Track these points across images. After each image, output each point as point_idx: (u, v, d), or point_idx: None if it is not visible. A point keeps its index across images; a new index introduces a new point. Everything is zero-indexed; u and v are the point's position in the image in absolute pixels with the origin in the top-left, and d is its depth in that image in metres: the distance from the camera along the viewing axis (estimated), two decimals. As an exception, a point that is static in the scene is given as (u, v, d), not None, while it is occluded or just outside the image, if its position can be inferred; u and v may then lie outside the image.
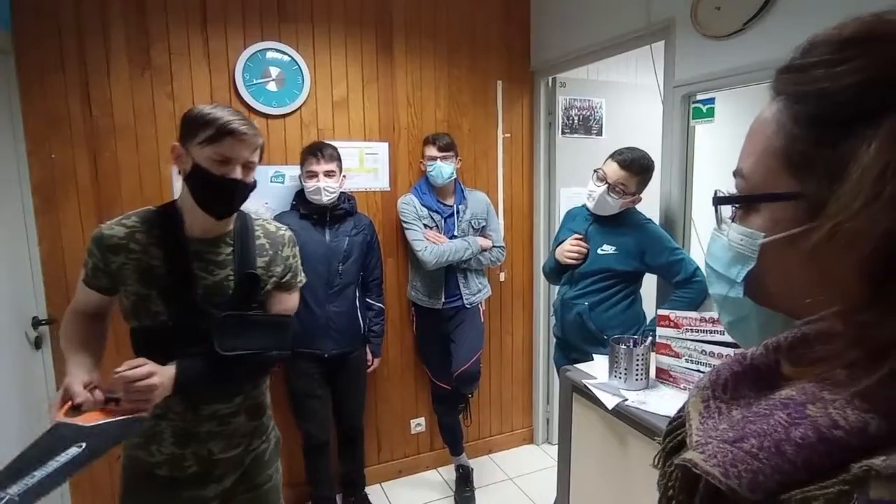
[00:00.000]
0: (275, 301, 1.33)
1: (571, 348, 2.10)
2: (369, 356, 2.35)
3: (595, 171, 1.99)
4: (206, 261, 1.21)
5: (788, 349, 0.41)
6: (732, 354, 0.46)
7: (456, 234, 2.40)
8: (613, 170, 1.93)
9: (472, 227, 2.45)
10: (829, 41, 0.39)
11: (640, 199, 2.00)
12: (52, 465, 0.90)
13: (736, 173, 0.46)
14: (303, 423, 2.26)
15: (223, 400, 1.26)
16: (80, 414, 1.04)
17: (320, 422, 2.24)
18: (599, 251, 2.00)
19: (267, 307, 1.32)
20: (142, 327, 1.20)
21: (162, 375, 1.10)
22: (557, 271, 2.14)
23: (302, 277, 1.43)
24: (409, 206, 2.38)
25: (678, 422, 0.51)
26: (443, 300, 2.42)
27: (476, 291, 2.49)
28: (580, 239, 2.04)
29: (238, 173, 1.16)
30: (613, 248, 1.97)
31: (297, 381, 2.21)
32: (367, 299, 2.32)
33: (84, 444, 0.95)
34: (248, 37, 2.23)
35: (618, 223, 1.99)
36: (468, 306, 2.46)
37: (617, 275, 1.99)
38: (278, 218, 2.20)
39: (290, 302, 1.38)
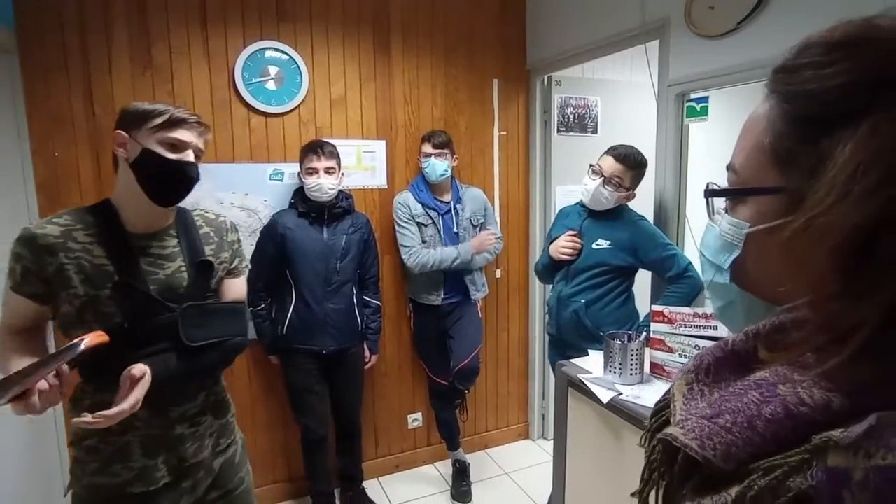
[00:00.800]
0: (226, 288, 1.32)
1: (567, 346, 2.11)
2: (367, 353, 2.38)
3: (591, 165, 2.02)
4: (153, 255, 1.17)
5: (766, 336, 0.44)
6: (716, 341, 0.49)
7: (456, 230, 2.44)
8: (609, 163, 1.96)
9: (472, 223, 2.48)
10: (820, 43, 0.41)
11: (633, 196, 2.02)
12: None
13: (728, 167, 0.49)
14: (301, 418, 2.28)
15: (189, 399, 1.22)
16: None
17: (318, 417, 2.27)
18: (594, 246, 2.02)
19: (219, 295, 1.30)
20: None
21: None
22: (551, 268, 2.15)
23: (247, 262, 1.43)
24: (404, 206, 2.41)
25: (664, 403, 0.54)
26: (442, 296, 2.45)
27: (481, 286, 2.57)
28: (574, 235, 2.06)
29: (191, 157, 1.16)
30: (608, 242, 2.00)
31: (295, 377, 2.24)
32: (364, 297, 2.34)
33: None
34: (247, 36, 2.25)
35: (612, 219, 2.02)
36: (474, 301, 2.53)
37: (611, 270, 2.01)
38: (277, 216, 2.23)
39: (240, 288, 1.36)
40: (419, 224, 2.43)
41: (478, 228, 2.49)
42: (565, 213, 2.20)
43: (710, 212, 0.53)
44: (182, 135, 1.14)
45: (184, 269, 1.20)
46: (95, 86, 2.05)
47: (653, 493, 0.47)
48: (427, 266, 2.35)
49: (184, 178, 1.16)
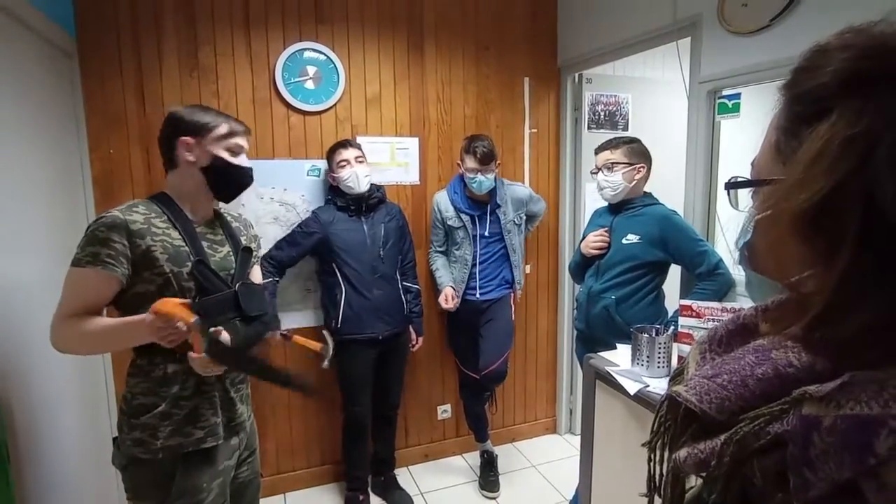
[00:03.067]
0: (253, 273, 1.49)
1: (596, 342, 2.11)
2: (413, 336, 2.48)
3: (591, 172, 2.15)
4: (209, 240, 1.35)
5: (769, 310, 0.50)
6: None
7: (486, 234, 2.44)
8: (599, 157, 2.08)
9: (515, 223, 2.48)
10: (819, 48, 0.45)
11: (642, 171, 2.03)
12: None
13: (752, 163, 0.55)
14: (353, 406, 2.34)
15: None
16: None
17: (368, 405, 2.36)
18: (624, 241, 2.03)
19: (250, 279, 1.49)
20: None
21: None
22: (583, 265, 2.19)
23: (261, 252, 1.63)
24: (435, 208, 2.49)
25: (679, 370, 0.61)
26: (478, 291, 2.48)
27: (497, 286, 2.51)
28: (605, 231, 2.10)
29: (246, 160, 1.38)
30: (637, 237, 2.01)
31: (352, 366, 2.29)
32: (405, 282, 2.42)
33: None
34: (287, 38, 2.35)
35: (641, 214, 2.04)
36: (509, 293, 2.54)
37: (642, 265, 2.02)
38: (317, 212, 2.31)
39: (260, 275, 1.58)
40: (449, 227, 2.45)
41: (520, 227, 2.50)
42: (598, 213, 2.24)
43: (733, 203, 0.58)
44: (241, 141, 1.36)
45: (231, 253, 1.39)
46: (147, 87, 2.18)
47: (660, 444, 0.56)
48: (434, 274, 2.50)
49: (246, 179, 1.39)
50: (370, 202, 2.29)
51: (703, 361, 0.53)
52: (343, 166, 2.24)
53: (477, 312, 2.53)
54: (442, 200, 2.48)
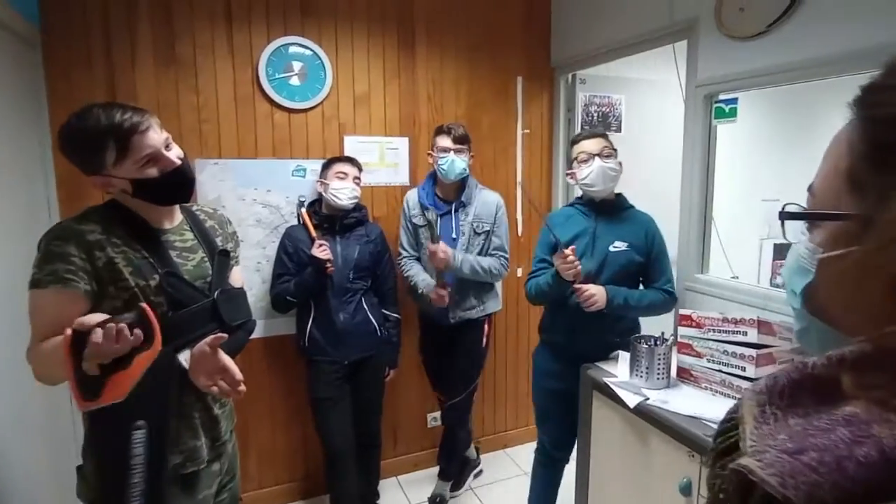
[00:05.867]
0: (232, 276, 1.37)
1: (577, 356, 1.90)
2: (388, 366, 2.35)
3: (573, 162, 1.92)
4: (178, 248, 1.23)
5: (851, 364, 0.41)
6: (792, 361, 0.48)
7: (454, 236, 2.24)
8: (591, 144, 1.88)
9: (475, 230, 2.24)
10: None
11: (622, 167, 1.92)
12: None
13: (809, 188, 0.48)
14: (324, 431, 2.19)
15: None
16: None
17: (341, 430, 2.19)
18: (611, 249, 1.86)
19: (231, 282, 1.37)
20: None
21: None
22: (558, 287, 1.82)
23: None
24: (404, 205, 2.34)
25: (731, 424, 0.52)
26: (440, 313, 2.27)
27: (469, 307, 2.28)
28: (571, 250, 1.78)
29: (173, 156, 1.16)
30: (626, 244, 1.87)
31: (318, 388, 2.17)
32: (384, 310, 2.28)
33: None
34: (271, 31, 2.24)
35: (625, 218, 1.92)
36: (452, 321, 2.26)
37: (630, 274, 1.88)
38: (289, 230, 2.21)
39: (241, 276, 1.43)
40: (415, 225, 2.30)
41: (482, 237, 2.26)
42: (566, 216, 1.97)
43: (784, 234, 0.52)
44: (149, 140, 1.12)
45: (206, 259, 1.27)
46: (119, 81, 2.05)
47: None
48: (409, 281, 2.30)
49: (182, 178, 1.19)
50: (346, 221, 2.16)
51: (763, 417, 0.44)
52: (341, 178, 2.12)
53: (439, 333, 2.35)
54: (411, 198, 2.32)
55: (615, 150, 1.91)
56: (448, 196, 2.28)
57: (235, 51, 2.20)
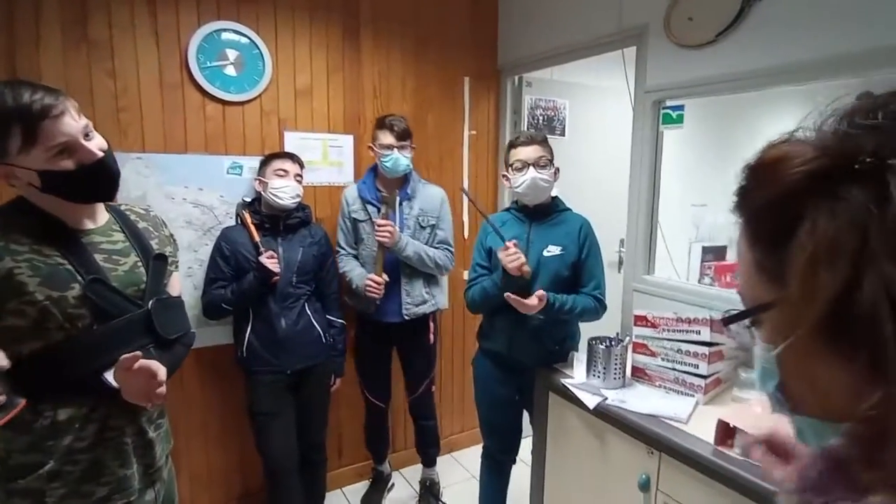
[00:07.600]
0: (171, 283, 1.25)
1: (514, 366, 1.91)
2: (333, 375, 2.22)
3: (509, 168, 1.87)
4: (105, 252, 1.09)
5: (856, 454, 0.40)
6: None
7: (399, 230, 2.17)
8: (528, 151, 1.82)
9: (420, 224, 2.22)
10: (747, 167, 0.44)
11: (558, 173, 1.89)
12: None
13: (738, 292, 0.50)
14: (265, 447, 2.04)
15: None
16: None
17: (283, 445, 2.04)
18: (545, 253, 1.83)
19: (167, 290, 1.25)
20: (56, 344, 1.00)
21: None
22: (505, 285, 1.77)
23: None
24: (344, 201, 2.23)
25: None
26: (378, 310, 2.19)
27: (420, 302, 2.24)
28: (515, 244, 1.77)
29: (94, 146, 1.01)
30: (559, 248, 1.83)
31: (257, 401, 2.01)
32: (328, 315, 2.15)
33: None
34: (202, 14, 2.03)
35: (560, 221, 1.89)
36: (407, 317, 2.21)
37: (565, 279, 1.84)
38: (225, 231, 2.03)
39: (179, 283, 1.32)
40: (354, 221, 2.20)
41: (427, 231, 2.23)
42: (501, 219, 1.94)
43: (740, 341, 0.52)
44: (63, 127, 0.96)
45: (140, 264, 1.14)
46: (20, 59, 1.78)
47: None
48: (345, 277, 2.20)
49: (105, 172, 1.05)
50: (289, 221, 2.02)
51: None
52: (281, 175, 1.98)
53: (382, 332, 2.28)
54: (350, 194, 2.23)
55: (552, 157, 1.87)
56: (390, 190, 2.20)
57: (160, 32, 1.98)
